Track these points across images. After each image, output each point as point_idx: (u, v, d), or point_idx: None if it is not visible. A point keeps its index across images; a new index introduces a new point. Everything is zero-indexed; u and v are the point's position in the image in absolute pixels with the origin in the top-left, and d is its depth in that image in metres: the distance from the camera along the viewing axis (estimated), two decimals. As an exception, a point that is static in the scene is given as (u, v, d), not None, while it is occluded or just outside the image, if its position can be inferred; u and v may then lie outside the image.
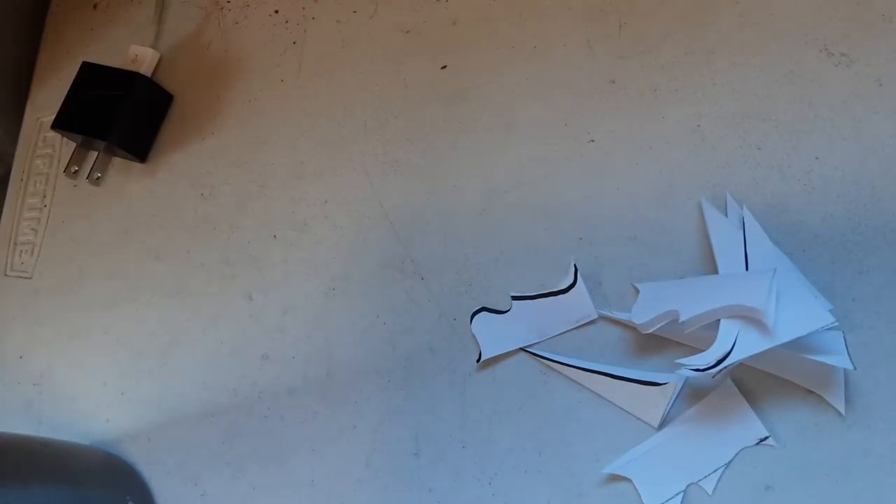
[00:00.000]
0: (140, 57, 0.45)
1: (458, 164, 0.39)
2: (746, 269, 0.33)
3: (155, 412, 0.39)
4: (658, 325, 0.32)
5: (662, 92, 0.37)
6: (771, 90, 0.35)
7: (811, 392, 0.31)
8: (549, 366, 0.35)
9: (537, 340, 0.35)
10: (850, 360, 0.30)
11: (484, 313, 0.36)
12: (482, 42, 0.41)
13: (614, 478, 0.32)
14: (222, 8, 0.47)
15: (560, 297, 0.35)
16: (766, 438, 0.31)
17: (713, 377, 0.31)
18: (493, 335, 0.36)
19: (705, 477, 0.31)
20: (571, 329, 0.35)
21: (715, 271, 0.33)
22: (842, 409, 0.31)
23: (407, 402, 0.36)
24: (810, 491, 0.30)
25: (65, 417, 0.41)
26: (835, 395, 0.31)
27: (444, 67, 0.41)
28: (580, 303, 0.35)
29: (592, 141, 0.37)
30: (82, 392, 0.41)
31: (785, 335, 0.30)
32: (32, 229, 0.45)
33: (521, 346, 0.35)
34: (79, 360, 0.42)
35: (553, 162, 0.37)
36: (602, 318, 0.34)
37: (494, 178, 0.38)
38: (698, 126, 0.36)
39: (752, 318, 0.31)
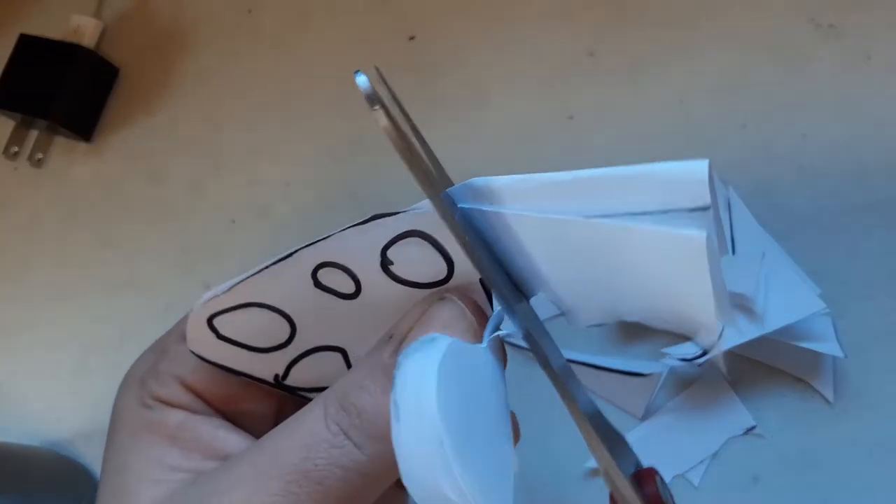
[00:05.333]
0: (82, 27, 0.42)
1: (430, 142, 0.37)
2: (733, 252, 0.32)
3: (109, 411, 0.37)
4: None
5: (644, 65, 0.35)
6: (757, 64, 0.34)
7: (799, 380, 0.31)
8: (528, 356, 0.33)
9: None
10: (840, 346, 0.29)
11: None
12: (453, 11, 0.38)
13: (597, 471, 0.31)
14: (170, -27, 0.44)
15: None
16: (753, 428, 0.31)
17: (699, 366, 0.30)
18: None
19: (691, 468, 0.31)
20: (552, 317, 0.33)
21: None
22: (830, 397, 0.30)
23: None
24: (798, 481, 0.30)
25: (13, 417, 0.39)
26: (823, 382, 0.30)
27: (412, 38, 0.39)
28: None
29: (571, 118, 0.36)
30: (31, 390, 0.39)
31: (774, 322, 0.29)
32: (-30, 215, 0.43)
33: (499, 336, 0.34)
34: (27, 356, 0.40)
35: (529, 139, 0.36)
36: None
37: (468, 157, 0.36)
38: (681, 102, 0.34)
39: (740, 305, 0.30)
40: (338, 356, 0.22)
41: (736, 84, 0.34)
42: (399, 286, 0.20)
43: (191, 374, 0.22)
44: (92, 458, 0.37)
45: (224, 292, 0.20)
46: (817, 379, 0.30)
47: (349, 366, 0.22)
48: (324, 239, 0.19)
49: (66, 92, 0.40)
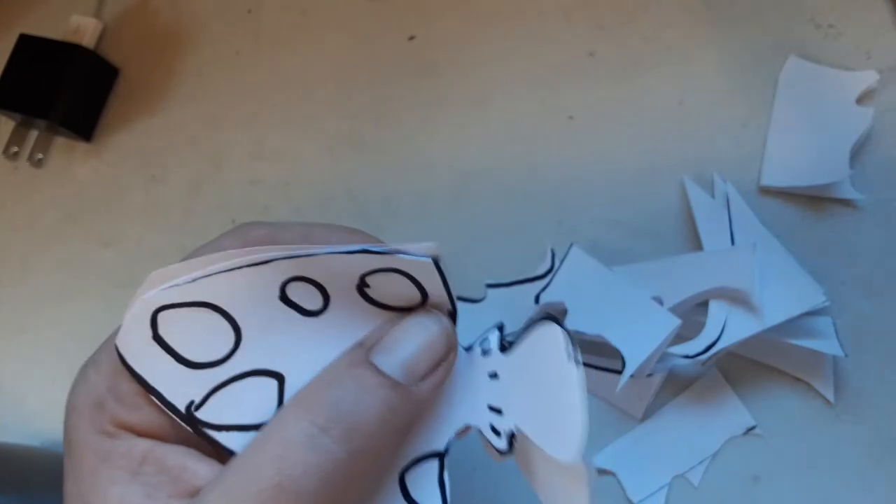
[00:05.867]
0: (82, 28, 0.42)
1: (429, 143, 0.37)
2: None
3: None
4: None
5: (644, 65, 0.35)
6: (757, 63, 0.34)
7: (799, 380, 0.31)
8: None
9: (513, 329, 0.34)
10: (841, 346, 0.29)
11: (458, 302, 0.35)
12: (453, 11, 0.38)
13: (598, 471, 0.31)
14: (170, -27, 0.44)
15: (537, 283, 0.34)
16: (753, 428, 0.30)
17: (703, 364, 0.30)
18: (467, 324, 0.34)
19: (691, 469, 0.31)
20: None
21: (701, 256, 0.32)
22: (831, 397, 0.30)
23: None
24: (798, 481, 0.30)
25: (13, 418, 0.39)
26: (823, 382, 0.30)
27: (412, 38, 0.39)
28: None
29: (571, 118, 0.35)
30: (31, 390, 0.39)
31: (774, 317, 0.29)
32: (-30, 215, 0.43)
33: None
34: (26, 356, 0.40)
35: (530, 140, 0.36)
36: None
37: (467, 158, 0.36)
38: (681, 102, 0.34)
39: (738, 300, 0.30)
40: (272, 384, 0.20)
41: (736, 83, 0.34)
42: (368, 305, 0.20)
43: None
44: (92, 458, 0.37)
45: (185, 283, 0.19)
46: (817, 379, 0.30)
47: (281, 398, 0.20)
48: (305, 255, 0.19)
49: (66, 92, 0.40)
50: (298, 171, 0.38)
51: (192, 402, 0.19)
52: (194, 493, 0.19)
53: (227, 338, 0.19)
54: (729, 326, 0.30)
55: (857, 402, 0.30)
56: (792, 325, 0.29)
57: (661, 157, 0.34)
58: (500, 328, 0.21)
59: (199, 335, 0.19)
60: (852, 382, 0.30)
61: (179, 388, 0.19)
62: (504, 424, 0.20)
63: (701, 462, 0.31)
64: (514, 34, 0.37)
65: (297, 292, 0.19)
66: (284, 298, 0.19)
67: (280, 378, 0.20)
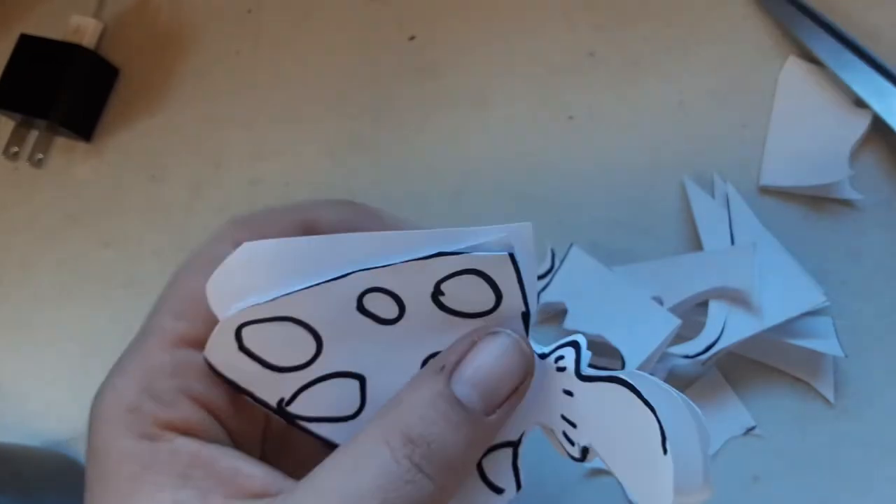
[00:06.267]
0: (82, 28, 0.42)
1: (430, 143, 0.37)
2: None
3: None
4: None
5: (644, 65, 0.35)
6: (756, 63, 0.34)
7: (799, 380, 0.31)
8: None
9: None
10: (840, 346, 0.29)
11: None
12: (453, 11, 0.38)
13: (597, 472, 0.31)
14: (170, -27, 0.44)
15: (538, 283, 0.34)
16: (753, 428, 0.30)
17: (703, 364, 0.30)
18: None
19: (691, 469, 0.31)
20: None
21: (701, 256, 0.32)
22: (831, 398, 0.30)
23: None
24: (798, 481, 0.30)
25: (14, 418, 0.39)
26: (823, 382, 0.30)
27: (412, 38, 0.39)
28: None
29: (571, 118, 0.35)
30: (31, 390, 0.39)
31: (774, 317, 0.29)
32: (-30, 215, 0.43)
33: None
34: (27, 356, 0.40)
35: (530, 140, 0.36)
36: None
37: (468, 158, 0.36)
38: (681, 102, 0.34)
39: (738, 300, 0.30)
40: (354, 384, 0.21)
41: (736, 83, 0.34)
42: (442, 314, 0.20)
43: (201, 385, 0.20)
44: (92, 458, 0.37)
45: (266, 302, 0.20)
46: (817, 379, 0.30)
47: (364, 395, 0.21)
48: (382, 267, 0.19)
49: (66, 92, 0.40)
50: (298, 171, 0.38)
51: (282, 399, 0.20)
52: (249, 496, 0.18)
53: (309, 345, 0.20)
54: (729, 326, 0.30)
55: (857, 402, 0.30)
56: (792, 325, 0.29)
57: (661, 158, 0.34)
58: (577, 347, 0.21)
59: (282, 344, 0.20)
60: (852, 382, 0.30)
61: (268, 388, 0.20)
62: (578, 438, 0.20)
63: (701, 462, 0.31)
64: (514, 34, 0.37)
65: (374, 302, 0.20)
66: (362, 308, 0.20)
67: (362, 379, 0.21)
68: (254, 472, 0.19)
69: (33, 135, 0.42)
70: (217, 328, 0.20)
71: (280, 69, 0.40)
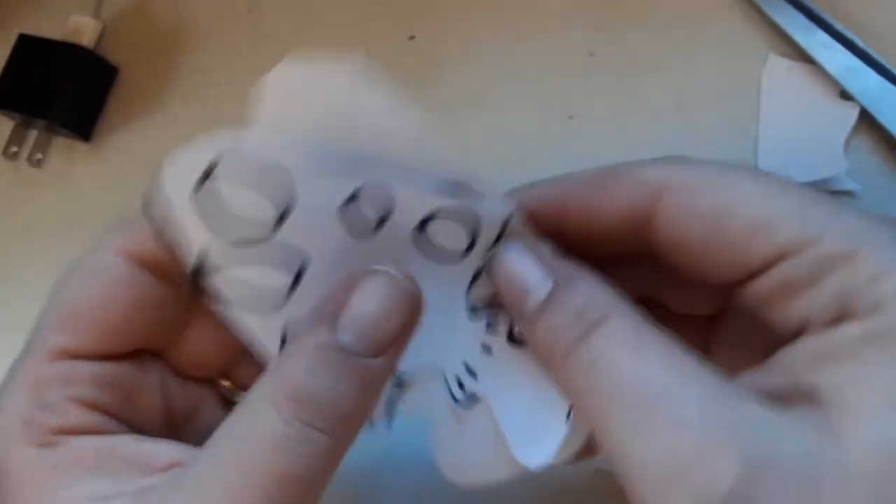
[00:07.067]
0: (81, 27, 0.42)
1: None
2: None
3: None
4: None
5: (644, 65, 0.35)
6: (756, 63, 0.34)
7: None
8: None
9: None
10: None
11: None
12: (453, 11, 0.38)
13: (597, 472, 0.31)
14: (170, -27, 0.44)
15: None
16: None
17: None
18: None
19: (691, 469, 0.31)
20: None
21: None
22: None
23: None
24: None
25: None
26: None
27: (411, 38, 0.39)
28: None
29: (571, 118, 0.36)
30: (30, 390, 0.39)
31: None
32: (-31, 216, 0.43)
33: None
34: (25, 356, 0.40)
35: (530, 141, 0.36)
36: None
37: (468, 157, 0.36)
38: (681, 102, 0.34)
39: None
40: (297, 261, 0.20)
41: (735, 83, 0.34)
42: (413, 246, 0.20)
43: (88, 389, 0.20)
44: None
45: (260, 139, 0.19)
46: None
47: (298, 279, 0.20)
48: (388, 182, 0.19)
49: (66, 92, 0.40)
50: (298, 171, 0.38)
51: (201, 265, 0.19)
52: (159, 470, 0.19)
53: (277, 208, 0.19)
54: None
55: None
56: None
57: (660, 157, 0.34)
58: None
59: (248, 201, 0.19)
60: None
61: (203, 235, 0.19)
62: (474, 387, 0.20)
63: (701, 462, 0.31)
64: (514, 34, 0.37)
65: (362, 206, 0.19)
66: (343, 213, 0.19)
67: (306, 259, 0.20)
68: (159, 449, 0.19)
69: (33, 135, 0.42)
70: (189, 151, 0.19)
71: (280, 69, 0.40)
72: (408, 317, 0.19)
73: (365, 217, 0.19)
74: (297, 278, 0.20)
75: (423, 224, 0.20)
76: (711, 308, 0.23)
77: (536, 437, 0.19)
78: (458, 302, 0.21)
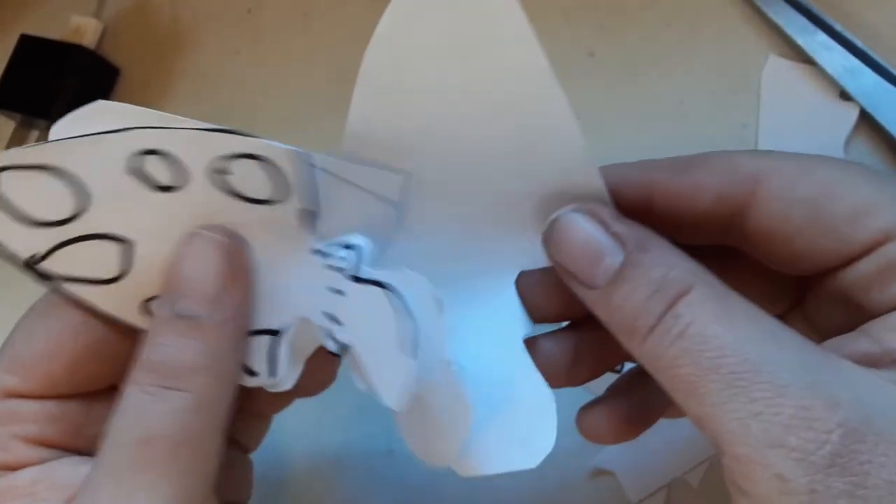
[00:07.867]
0: (82, 28, 0.42)
1: (429, 143, 0.37)
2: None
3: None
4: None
5: (644, 65, 0.35)
6: (756, 63, 0.34)
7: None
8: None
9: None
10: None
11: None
12: (452, 11, 0.38)
13: (597, 472, 0.31)
14: (170, -27, 0.44)
15: None
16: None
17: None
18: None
19: (691, 469, 0.31)
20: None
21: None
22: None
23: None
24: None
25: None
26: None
27: (411, 39, 0.39)
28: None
29: (570, 118, 0.35)
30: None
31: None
32: (-30, 215, 0.43)
33: None
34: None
35: (529, 140, 0.36)
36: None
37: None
38: (681, 102, 0.34)
39: None
40: (120, 248, 0.21)
41: (735, 83, 0.34)
42: (224, 194, 0.20)
43: (34, 427, 0.21)
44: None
45: (32, 147, 0.19)
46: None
47: (129, 260, 0.21)
48: (162, 128, 0.19)
49: (67, 92, 0.40)
50: (298, 171, 0.38)
51: (35, 255, 0.20)
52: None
53: (73, 200, 0.20)
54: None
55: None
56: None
57: (660, 157, 0.34)
58: (358, 250, 0.21)
59: (42, 195, 0.20)
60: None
61: (21, 241, 0.20)
62: (342, 335, 0.21)
63: (700, 463, 0.31)
64: (514, 34, 0.37)
65: (153, 164, 0.19)
66: (136, 171, 0.19)
67: (127, 244, 0.20)
68: (85, 469, 0.20)
69: (33, 135, 0.42)
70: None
71: (280, 69, 0.40)
72: (228, 271, 0.20)
73: (160, 169, 0.20)
74: (127, 252, 0.21)
75: (224, 168, 0.20)
76: (780, 307, 0.23)
77: (394, 377, 0.20)
78: (299, 249, 0.21)
